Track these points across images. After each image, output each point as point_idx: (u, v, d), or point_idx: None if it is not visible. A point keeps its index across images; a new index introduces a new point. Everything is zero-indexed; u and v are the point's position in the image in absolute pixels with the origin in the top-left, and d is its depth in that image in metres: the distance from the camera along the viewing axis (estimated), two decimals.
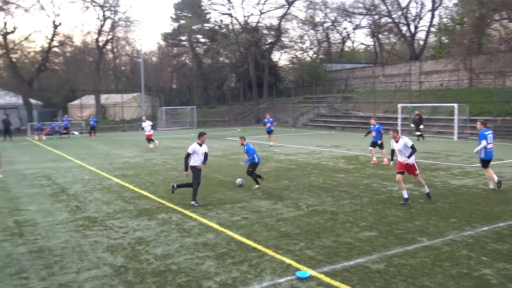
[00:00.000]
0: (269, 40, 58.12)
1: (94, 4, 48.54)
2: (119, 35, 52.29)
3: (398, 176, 10.65)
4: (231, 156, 20.55)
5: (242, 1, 67.48)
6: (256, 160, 13.13)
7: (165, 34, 64.19)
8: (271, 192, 12.24)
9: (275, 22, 56.07)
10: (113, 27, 50.43)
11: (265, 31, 57.36)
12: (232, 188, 12.88)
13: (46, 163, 19.41)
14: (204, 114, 52.31)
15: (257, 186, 12.91)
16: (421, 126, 26.61)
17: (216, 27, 60.41)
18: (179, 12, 64.51)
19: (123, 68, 63.55)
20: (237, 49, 55.98)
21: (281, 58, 65.73)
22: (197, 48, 62.49)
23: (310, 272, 6.52)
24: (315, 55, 61.54)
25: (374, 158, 17.61)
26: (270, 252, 7.44)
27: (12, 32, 44.28)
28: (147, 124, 25.23)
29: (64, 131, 36.33)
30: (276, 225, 9.00)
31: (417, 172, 10.76)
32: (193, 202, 10.82)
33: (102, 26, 49.48)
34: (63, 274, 6.64)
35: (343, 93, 48.15)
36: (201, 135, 11.31)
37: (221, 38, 55.66)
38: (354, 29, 60.42)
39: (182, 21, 62.56)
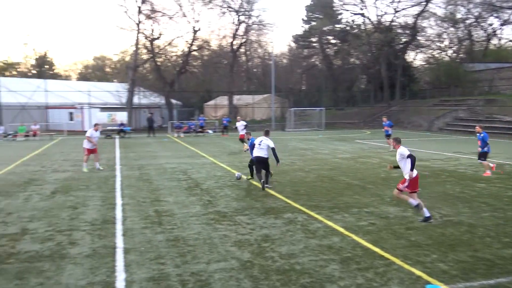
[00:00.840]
0: (404, 40, 55.54)
1: (230, 9, 51.08)
2: (252, 38, 54.32)
3: (411, 195, 9.35)
4: (359, 159, 20.07)
5: (376, 0, 65.58)
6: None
7: (296, 36, 65.11)
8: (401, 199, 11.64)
9: (410, 20, 53.42)
10: (247, 31, 52.54)
11: (399, 30, 54.93)
12: (360, 192, 12.55)
13: (183, 158, 20.90)
14: (332, 116, 51.93)
15: (249, 177, 14.24)
16: None
17: (348, 28, 59.58)
18: (310, 14, 64.96)
19: (254, 70, 65.88)
20: (368, 50, 54.55)
21: (416, 58, 62.40)
22: (328, 49, 62.27)
23: (442, 286, 6.06)
24: (454, 54, 57.38)
25: (488, 171, 15.75)
26: (398, 261, 7.08)
27: (158, 38, 48.59)
28: (240, 124, 25.56)
29: (200, 130, 38.84)
30: (405, 234, 8.54)
31: (401, 187, 9.28)
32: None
33: (236, 30, 51.84)
34: (195, 264, 7.06)
35: (486, 95, 44.12)
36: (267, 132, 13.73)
37: (352, 38, 54.73)
38: (502, 25, 54.95)
39: (313, 23, 62.88)
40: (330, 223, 9.30)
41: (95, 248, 7.83)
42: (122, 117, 43.64)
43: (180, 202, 11.52)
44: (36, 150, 25.29)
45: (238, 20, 51.75)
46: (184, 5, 48.46)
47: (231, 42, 52.20)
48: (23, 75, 73.15)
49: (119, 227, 9.14)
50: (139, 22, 45.86)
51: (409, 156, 9.11)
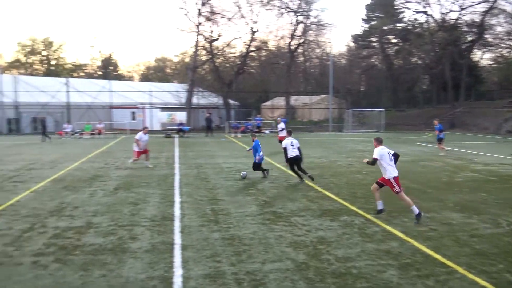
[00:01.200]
0: (470, 38, 53.05)
1: (288, 10, 51.01)
2: (310, 38, 53.96)
3: (374, 186, 10.05)
4: (420, 163, 19.39)
5: None
6: (257, 159, 15.28)
7: (355, 36, 64.04)
8: (465, 204, 11.13)
9: (477, 18, 50.85)
10: (305, 31, 52.26)
11: (465, 28, 52.45)
12: (420, 196, 12.10)
13: (240, 158, 21.09)
14: (392, 117, 50.51)
15: (265, 174, 15.41)
16: None
17: (409, 27, 57.76)
18: (370, 13, 63.68)
19: (312, 70, 65.40)
20: (431, 49, 52.61)
21: (483, 57, 59.29)
22: (388, 49, 60.74)
23: None
24: None
25: None
26: (461, 269, 6.76)
27: (217, 39, 49.39)
28: (280, 127, 25.50)
29: (257, 130, 39.05)
30: (469, 241, 8.15)
31: (396, 189, 9.55)
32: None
33: (294, 30, 51.69)
34: (250, 263, 7.10)
35: None
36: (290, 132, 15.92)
37: (414, 37, 53.02)
38: None
39: (373, 22, 61.55)
40: (388, 227, 9.04)
41: (154, 244, 8.06)
42: (181, 117, 44.74)
43: (236, 201, 11.63)
44: (101, 148, 26.45)
45: (296, 20, 51.59)
46: (242, 6, 49.03)
47: (289, 43, 52.11)
48: (90, 76, 76.85)
49: (177, 224, 9.36)
50: (199, 24, 46.84)
51: (374, 158, 9.61)
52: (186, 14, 53.56)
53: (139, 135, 17.84)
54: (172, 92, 51.59)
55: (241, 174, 15.45)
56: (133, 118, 45.58)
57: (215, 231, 8.85)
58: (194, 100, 48.61)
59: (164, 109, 46.76)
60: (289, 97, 52.24)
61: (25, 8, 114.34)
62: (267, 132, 40.20)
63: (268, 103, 57.22)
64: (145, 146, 17.98)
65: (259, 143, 15.58)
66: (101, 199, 11.95)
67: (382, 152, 9.60)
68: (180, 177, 15.48)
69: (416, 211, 9.39)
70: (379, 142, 9.91)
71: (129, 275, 6.65)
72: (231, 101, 52.07)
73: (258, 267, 6.93)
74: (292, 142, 14.43)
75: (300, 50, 55.58)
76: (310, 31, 53.07)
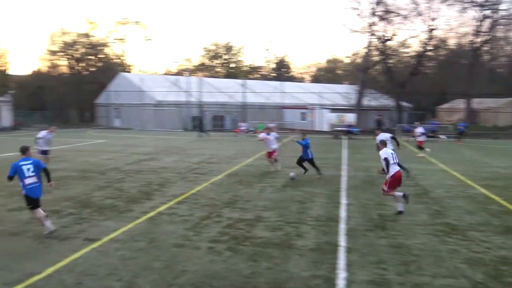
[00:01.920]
0: None
1: (473, 4, 46.59)
2: (498, 35, 48.40)
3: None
4: None
5: None
6: (310, 156, 15.48)
7: None
8: None
9: None
10: (492, 27, 47.13)
11: None
12: None
13: (411, 163, 19.92)
14: None
15: (304, 172, 15.68)
16: None
17: None
18: None
19: (499, 70, 58.74)
20: None
21: None
22: None
23: None
24: None
25: None
26: None
27: (390, 39, 47.64)
28: (419, 131, 23.12)
29: (432, 134, 36.56)
30: None
31: (384, 188, 10.42)
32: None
33: (479, 26, 47.02)
34: (419, 275, 6.66)
35: None
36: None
37: None
38: None
39: None
40: None
41: (319, 243, 8.11)
42: (350, 118, 44.38)
43: (405, 208, 11.03)
44: None
45: (483, 15, 46.81)
46: (420, 3, 46.33)
47: (472, 40, 47.60)
48: (264, 77, 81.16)
49: (342, 226, 9.28)
50: (372, 23, 45.80)
51: (384, 159, 10.26)
52: (359, 14, 52.70)
53: (263, 134, 17.77)
54: (342, 93, 51.50)
55: (290, 175, 15.29)
56: (303, 119, 46.73)
57: (382, 237, 8.53)
58: (364, 101, 47.70)
59: (333, 110, 46.94)
60: (470, 100, 47.74)
61: (210, 16, 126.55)
62: (443, 137, 37.41)
63: (445, 105, 53.17)
64: (272, 147, 17.29)
65: (309, 142, 15.61)
66: (270, 195, 12.51)
67: (387, 152, 10.49)
68: (347, 179, 15.33)
69: (400, 208, 10.33)
70: (383, 144, 10.99)
71: (294, 271, 6.80)
72: (403, 104, 49.73)
73: (427, 280, 6.47)
74: (387, 137, 15.18)
75: (485, 48, 50.31)
76: (499, 27, 47.60)
